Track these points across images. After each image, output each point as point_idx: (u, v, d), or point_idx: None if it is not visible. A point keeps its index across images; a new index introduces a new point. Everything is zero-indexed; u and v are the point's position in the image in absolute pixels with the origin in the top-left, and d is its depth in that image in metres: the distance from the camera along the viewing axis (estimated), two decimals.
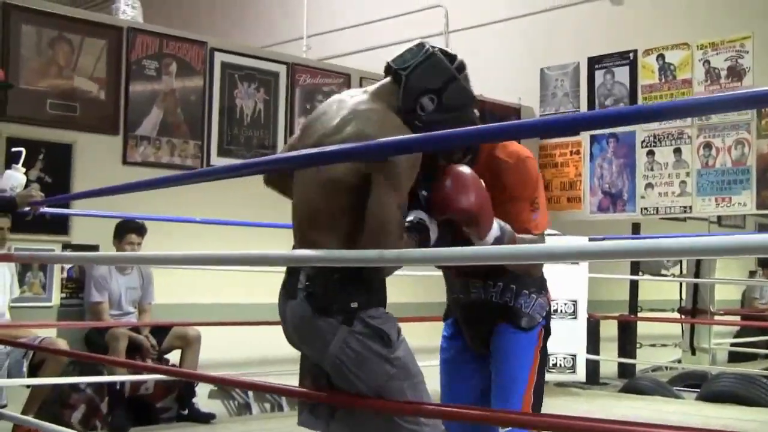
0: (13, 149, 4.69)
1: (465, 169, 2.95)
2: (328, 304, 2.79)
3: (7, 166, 4.76)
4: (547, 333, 3.38)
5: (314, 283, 2.81)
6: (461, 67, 2.98)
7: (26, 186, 4.80)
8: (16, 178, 4.59)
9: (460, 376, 3.49)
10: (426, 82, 2.90)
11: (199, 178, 4.27)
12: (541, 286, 3.38)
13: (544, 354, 3.37)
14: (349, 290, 2.79)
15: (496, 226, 2.98)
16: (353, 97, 2.97)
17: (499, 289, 3.33)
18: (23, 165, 4.67)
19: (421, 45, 2.99)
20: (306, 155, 2.71)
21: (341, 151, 2.63)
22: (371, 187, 2.74)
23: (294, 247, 2.98)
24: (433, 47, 2.98)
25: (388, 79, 2.97)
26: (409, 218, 2.88)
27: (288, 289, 2.91)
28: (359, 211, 2.76)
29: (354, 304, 2.77)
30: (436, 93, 2.89)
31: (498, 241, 2.97)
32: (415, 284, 6.99)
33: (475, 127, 2.88)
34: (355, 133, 2.78)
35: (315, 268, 2.81)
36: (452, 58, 2.99)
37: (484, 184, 3.00)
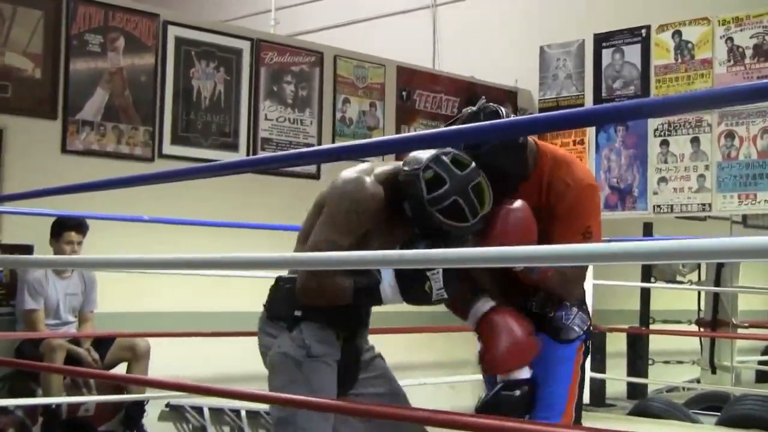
0: None
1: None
2: (276, 310, 3.50)
3: None
4: (587, 350, 3.63)
5: (271, 292, 3.56)
6: (467, 179, 3.24)
7: None
8: None
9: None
10: (418, 188, 3.26)
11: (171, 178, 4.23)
12: (583, 300, 3.63)
13: (582, 370, 3.62)
14: (295, 300, 3.40)
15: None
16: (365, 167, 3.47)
17: (540, 299, 3.56)
18: None
19: (440, 151, 3.28)
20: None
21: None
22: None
23: None
24: (449, 154, 3.28)
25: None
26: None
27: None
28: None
29: (297, 313, 3.41)
30: (408, 199, 3.31)
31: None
32: None
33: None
34: (331, 187, 3.42)
35: (276, 282, 3.54)
36: (464, 168, 3.27)
37: (542, 204, 3.43)
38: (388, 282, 3.24)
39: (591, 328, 3.63)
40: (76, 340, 6.45)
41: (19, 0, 6.74)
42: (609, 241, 7.37)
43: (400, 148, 3.25)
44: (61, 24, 6.91)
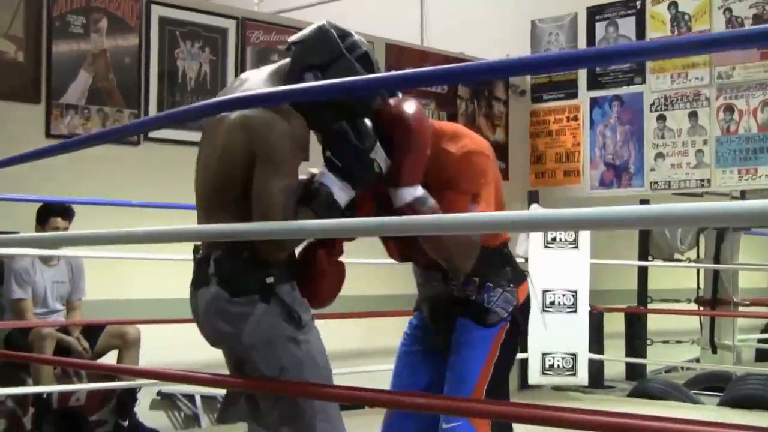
0: None
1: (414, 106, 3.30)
2: (243, 283, 3.19)
3: None
4: (517, 328, 3.60)
5: (224, 266, 3.20)
6: (353, 46, 3.27)
7: None
8: None
9: (408, 368, 3.78)
10: (311, 57, 3.21)
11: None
12: (512, 278, 3.61)
13: (508, 351, 3.59)
14: (262, 266, 3.16)
15: (421, 188, 3.27)
16: (255, 75, 3.36)
17: (460, 282, 3.56)
18: None
19: (320, 24, 3.30)
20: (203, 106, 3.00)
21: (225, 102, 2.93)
22: (254, 171, 3.14)
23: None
24: (331, 25, 3.28)
25: (281, 61, 3.35)
26: (315, 184, 3.22)
27: (197, 279, 3.30)
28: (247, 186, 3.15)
29: (270, 279, 3.17)
30: (320, 69, 3.19)
31: (418, 202, 3.25)
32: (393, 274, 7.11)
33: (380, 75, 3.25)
34: (241, 117, 3.16)
35: (223, 251, 3.20)
36: (346, 35, 3.28)
37: (429, 177, 3.36)
38: (338, 188, 3.19)
39: (527, 305, 3.65)
40: (65, 329, 6.57)
41: None
42: None
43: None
44: (42, 5, 6.97)
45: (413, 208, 3.24)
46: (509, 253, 3.71)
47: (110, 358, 6.71)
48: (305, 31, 3.28)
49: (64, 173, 6.70)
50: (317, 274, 3.34)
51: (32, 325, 6.46)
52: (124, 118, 7.26)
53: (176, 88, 7.61)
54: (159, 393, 7.24)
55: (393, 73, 2.38)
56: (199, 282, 3.28)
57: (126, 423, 6.62)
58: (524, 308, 3.66)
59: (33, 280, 6.59)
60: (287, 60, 3.30)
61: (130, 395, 6.66)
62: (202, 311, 3.27)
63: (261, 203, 3.10)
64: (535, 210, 8.24)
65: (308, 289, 3.31)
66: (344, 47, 3.24)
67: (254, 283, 3.17)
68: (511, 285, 3.59)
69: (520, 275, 3.67)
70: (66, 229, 6.55)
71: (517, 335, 3.62)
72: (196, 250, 3.36)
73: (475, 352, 3.52)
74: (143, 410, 6.90)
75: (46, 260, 6.65)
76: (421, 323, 3.81)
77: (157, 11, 7.57)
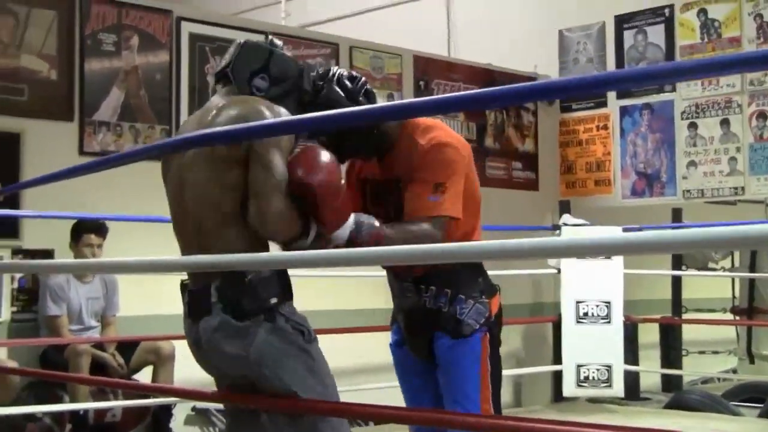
0: None
1: (318, 148, 3.43)
2: (247, 307, 3.32)
3: None
4: (495, 340, 3.73)
5: (227, 293, 3.34)
6: (273, 43, 3.67)
7: None
8: None
9: (412, 390, 3.96)
10: (249, 65, 3.57)
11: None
12: (483, 290, 3.75)
13: (494, 362, 3.71)
14: (264, 287, 3.33)
15: (352, 219, 3.39)
16: (213, 102, 3.61)
17: (432, 294, 3.72)
18: None
19: (234, 43, 3.68)
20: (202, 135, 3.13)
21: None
22: (252, 156, 3.31)
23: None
24: (242, 42, 3.67)
25: (225, 87, 3.62)
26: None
27: (196, 310, 3.41)
28: (242, 190, 3.32)
29: (273, 300, 3.33)
30: (262, 70, 3.55)
31: (355, 233, 3.37)
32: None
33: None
34: (233, 116, 3.36)
35: (223, 279, 3.33)
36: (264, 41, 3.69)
37: (400, 169, 3.61)
38: None
39: (498, 317, 3.77)
40: (100, 345, 6.68)
41: (33, 1, 6.93)
42: (640, 229, 7.56)
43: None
44: (74, 24, 7.09)
45: (355, 242, 3.36)
46: (481, 264, 3.81)
47: (145, 374, 6.83)
48: (226, 56, 3.63)
49: (97, 190, 6.84)
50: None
51: (68, 341, 6.55)
52: (155, 135, 7.37)
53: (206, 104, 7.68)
54: (194, 408, 7.32)
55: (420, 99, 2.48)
56: (198, 313, 3.39)
57: None
58: (498, 320, 3.77)
59: (68, 296, 6.70)
60: (226, 87, 3.59)
61: (166, 411, 6.75)
62: (206, 340, 3.37)
63: (267, 179, 3.27)
64: (567, 220, 8.33)
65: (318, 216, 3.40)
66: (268, 44, 3.63)
67: (258, 307, 3.31)
68: (483, 296, 3.73)
69: (492, 287, 3.80)
70: (100, 246, 6.68)
71: (496, 347, 3.74)
72: (184, 284, 3.50)
73: (465, 372, 3.66)
74: (178, 425, 6.99)
75: (80, 276, 6.76)
76: (401, 338, 3.94)
77: (187, 28, 7.68)
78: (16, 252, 6.72)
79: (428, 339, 3.76)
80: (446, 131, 3.73)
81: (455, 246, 2.86)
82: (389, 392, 4.80)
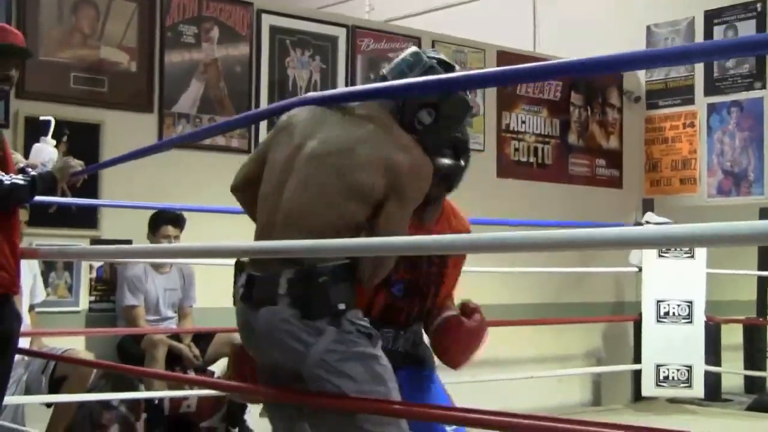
0: (42, 118, 4.83)
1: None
2: (316, 307, 3.22)
3: (36, 140, 4.91)
4: None
5: (298, 288, 3.23)
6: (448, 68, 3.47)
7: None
8: (48, 151, 4.71)
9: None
10: (423, 95, 3.38)
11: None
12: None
13: None
14: (336, 292, 3.22)
15: None
16: (354, 108, 3.44)
17: (407, 338, 3.79)
18: (53, 137, 4.82)
19: (417, 55, 3.47)
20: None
21: None
22: (384, 204, 3.26)
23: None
24: (430, 57, 3.46)
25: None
26: None
27: (260, 297, 3.28)
28: (361, 228, 3.29)
29: (342, 306, 3.22)
30: (433, 106, 3.38)
31: None
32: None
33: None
34: (381, 158, 3.26)
35: (297, 272, 3.23)
36: (449, 68, 3.47)
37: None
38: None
39: None
40: (176, 336, 6.71)
41: None
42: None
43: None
44: (155, 16, 7.13)
45: None
46: None
47: (221, 366, 6.83)
48: (403, 65, 3.45)
49: (174, 181, 6.88)
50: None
51: (144, 332, 6.59)
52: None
53: (286, 97, 7.59)
54: None
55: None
56: (260, 300, 3.28)
57: (236, 430, 6.71)
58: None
59: (145, 287, 6.74)
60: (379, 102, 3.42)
61: (242, 403, 6.75)
62: (266, 329, 3.27)
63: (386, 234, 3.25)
64: (650, 218, 8.20)
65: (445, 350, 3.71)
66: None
67: (328, 308, 3.21)
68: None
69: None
70: (177, 237, 6.70)
71: None
72: (240, 266, 3.40)
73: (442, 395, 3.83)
74: (252, 417, 6.99)
75: (157, 267, 6.80)
76: None
77: (267, 20, 7.68)
78: (95, 242, 6.78)
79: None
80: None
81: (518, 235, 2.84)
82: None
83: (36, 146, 4.72)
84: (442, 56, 3.50)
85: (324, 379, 3.21)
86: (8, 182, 4.19)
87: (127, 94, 7.03)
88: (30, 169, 4.42)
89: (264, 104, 7.55)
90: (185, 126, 7.20)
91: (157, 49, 7.16)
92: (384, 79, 3.43)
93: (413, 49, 3.52)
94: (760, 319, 9.02)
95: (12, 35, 4.40)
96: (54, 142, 4.75)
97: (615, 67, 2.71)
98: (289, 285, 3.22)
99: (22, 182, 4.25)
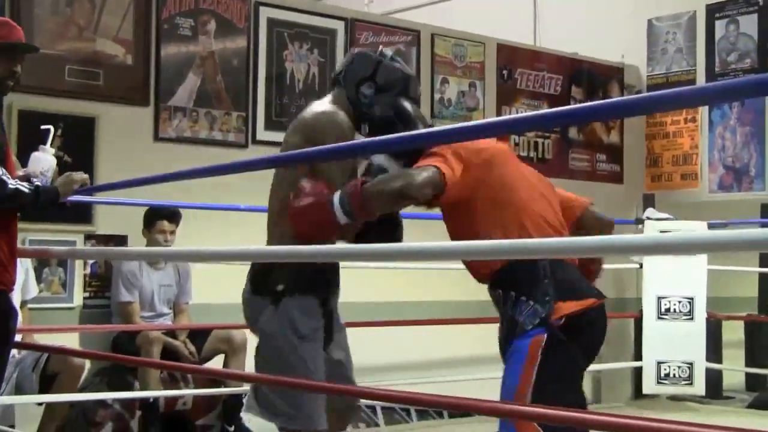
0: (42, 127, 4.79)
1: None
2: (259, 284, 3.84)
3: (34, 148, 4.85)
4: (560, 345, 3.60)
5: (254, 266, 3.91)
6: (383, 53, 4.05)
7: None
8: (46, 161, 4.67)
9: None
10: (359, 72, 3.98)
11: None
12: (547, 291, 3.64)
13: (555, 365, 3.60)
14: (277, 274, 3.78)
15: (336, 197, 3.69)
16: (315, 104, 4.05)
17: (499, 296, 3.75)
18: (52, 145, 4.77)
19: (350, 52, 4.27)
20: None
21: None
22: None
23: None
24: (355, 51, 4.24)
25: (337, 90, 4.05)
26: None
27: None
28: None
29: (280, 287, 3.76)
30: (370, 79, 3.95)
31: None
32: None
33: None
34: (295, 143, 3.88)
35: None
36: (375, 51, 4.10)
37: None
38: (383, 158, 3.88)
39: (563, 321, 3.63)
40: (172, 333, 6.64)
41: None
42: (725, 224, 7.34)
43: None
44: (151, 8, 7.05)
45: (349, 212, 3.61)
46: (546, 264, 3.68)
47: (216, 363, 6.76)
48: (341, 63, 4.13)
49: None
50: None
51: (139, 328, 6.53)
52: (232, 121, 7.31)
53: (284, 90, 7.64)
54: None
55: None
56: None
57: (232, 428, 6.65)
58: (571, 323, 3.63)
59: (140, 283, 6.66)
60: (335, 89, 4.04)
61: (236, 400, 6.68)
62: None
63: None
64: (651, 214, 8.12)
65: None
66: (378, 55, 4.03)
67: (269, 287, 3.78)
68: (547, 298, 3.61)
69: (565, 290, 3.67)
70: (173, 232, 6.64)
71: (565, 350, 3.62)
72: None
73: (510, 367, 3.65)
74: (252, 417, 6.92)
75: (153, 263, 6.72)
76: None
77: (265, 13, 7.60)
78: (89, 237, 6.72)
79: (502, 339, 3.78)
80: None
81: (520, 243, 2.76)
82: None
83: (34, 155, 4.65)
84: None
85: (260, 345, 3.85)
86: (12, 186, 4.21)
87: (122, 87, 6.95)
88: (34, 180, 4.39)
89: (261, 97, 7.50)
90: (181, 119, 7.12)
91: (153, 41, 7.08)
92: (334, 80, 4.08)
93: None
94: (762, 316, 9.03)
95: (17, 31, 4.38)
96: (53, 150, 4.69)
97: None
98: (251, 265, 3.96)
99: (26, 190, 4.27)
